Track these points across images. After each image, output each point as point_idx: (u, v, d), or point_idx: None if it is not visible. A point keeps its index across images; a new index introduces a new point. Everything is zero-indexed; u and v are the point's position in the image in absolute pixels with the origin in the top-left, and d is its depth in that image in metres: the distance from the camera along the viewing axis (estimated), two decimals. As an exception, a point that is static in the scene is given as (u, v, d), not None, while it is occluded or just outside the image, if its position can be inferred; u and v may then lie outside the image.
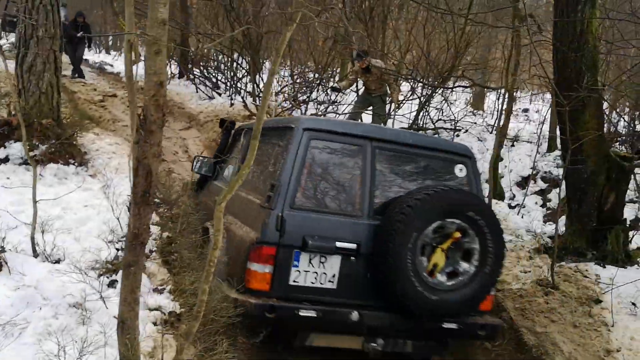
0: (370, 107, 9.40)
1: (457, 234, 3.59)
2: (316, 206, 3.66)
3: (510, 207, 6.90)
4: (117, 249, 3.77)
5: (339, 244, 3.52)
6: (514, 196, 7.86)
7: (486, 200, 5.16)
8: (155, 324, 3.22)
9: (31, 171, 4.03)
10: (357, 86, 11.59)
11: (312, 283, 3.53)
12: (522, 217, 6.59)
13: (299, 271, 3.51)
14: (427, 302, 3.47)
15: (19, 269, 3.39)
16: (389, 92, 9.16)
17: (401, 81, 10.11)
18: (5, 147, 5.25)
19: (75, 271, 3.30)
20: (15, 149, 5.22)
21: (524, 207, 7.29)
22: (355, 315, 3.51)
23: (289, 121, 4.07)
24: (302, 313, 3.41)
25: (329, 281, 3.56)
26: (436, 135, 5.26)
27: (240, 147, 4.89)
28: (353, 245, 3.56)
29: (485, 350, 4.51)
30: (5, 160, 5.19)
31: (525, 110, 16.19)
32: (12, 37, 12.29)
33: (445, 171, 3.96)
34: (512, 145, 9.52)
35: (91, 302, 3.23)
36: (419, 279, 3.45)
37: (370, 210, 3.71)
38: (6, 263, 3.39)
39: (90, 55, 21.37)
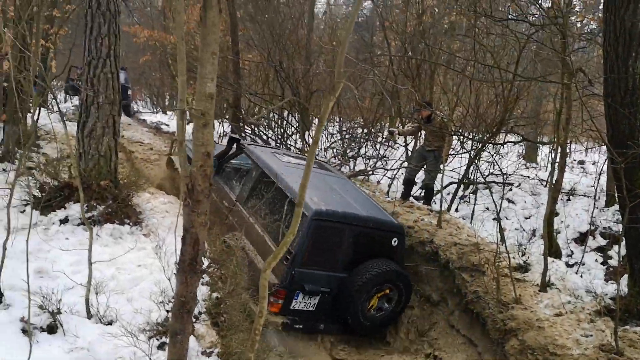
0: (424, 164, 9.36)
1: (388, 291, 6.15)
2: (313, 265, 5.82)
3: (567, 265, 6.61)
4: (167, 311, 3.82)
5: (321, 288, 5.89)
6: (572, 253, 7.56)
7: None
8: (202, 389, 3.21)
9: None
10: (405, 140, 11.63)
11: (302, 307, 5.88)
12: (581, 276, 6.30)
13: (297, 302, 5.81)
14: (364, 325, 6.09)
15: (73, 330, 3.48)
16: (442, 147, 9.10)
17: (453, 137, 10.06)
18: (65, 208, 5.47)
19: (126, 334, 3.36)
20: (75, 210, 5.43)
21: (583, 264, 6.99)
22: (322, 326, 6.10)
23: (304, 207, 5.68)
24: (295, 326, 5.80)
25: (311, 306, 5.93)
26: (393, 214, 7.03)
27: (252, 175, 6.79)
28: (328, 289, 5.94)
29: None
30: (65, 221, 5.39)
31: (581, 163, 15.72)
32: (76, 100, 12.92)
33: (386, 241, 6.28)
34: (568, 200, 9.23)
35: (141, 365, 3.27)
36: (363, 315, 6.02)
37: (341, 267, 6.01)
38: (61, 325, 3.48)
39: (148, 115, 22.35)
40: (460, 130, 9.77)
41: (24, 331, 3.26)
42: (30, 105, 7.54)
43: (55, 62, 10.96)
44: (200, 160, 2.10)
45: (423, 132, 9.35)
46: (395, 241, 6.31)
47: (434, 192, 9.28)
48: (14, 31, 5.95)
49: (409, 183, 9.24)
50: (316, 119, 13.15)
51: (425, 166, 9.13)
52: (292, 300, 5.75)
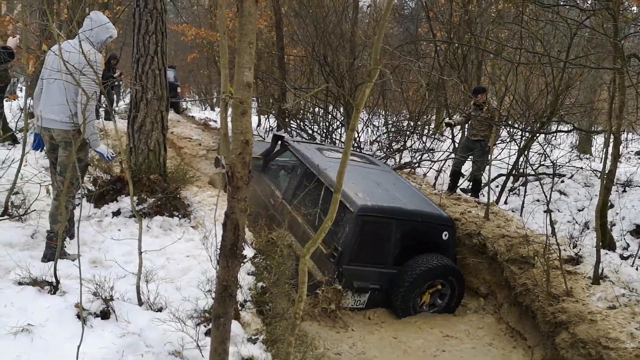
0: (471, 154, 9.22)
1: (439, 287, 6.05)
2: (361, 261, 5.75)
3: (622, 257, 6.39)
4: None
5: (371, 285, 5.80)
6: (628, 246, 7.30)
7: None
8: (248, 374, 3.28)
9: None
10: (452, 133, 11.46)
11: (352, 305, 5.77)
12: (637, 268, 6.07)
13: (345, 299, 5.61)
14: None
15: (124, 316, 3.60)
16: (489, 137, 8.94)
17: (501, 129, 9.86)
18: (117, 201, 5.65)
19: (175, 320, 3.46)
20: (126, 202, 5.60)
21: (640, 257, 6.74)
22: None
23: (348, 200, 5.82)
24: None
25: (361, 304, 5.85)
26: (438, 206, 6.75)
27: (297, 172, 6.81)
28: (378, 286, 5.84)
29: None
30: (118, 213, 5.57)
31: (639, 154, 15.16)
32: (128, 98, 13.29)
33: (436, 234, 6.15)
34: (624, 191, 8.92)
35: (188, 351, 3.36)
36: (415, 311, 5.92)
37: (390, 263, 5.91)
38: (114, 311, 3.62)
39: (197, 112, 22.80)
40: (508, 120, 9.52)
41: (79, 316, 3.41)
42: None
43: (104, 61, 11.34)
44: (239, 147, 2.15)
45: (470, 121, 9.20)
46: (445, 235, 6.17)
47: (482, 183, 9.13)
48: (66, 32, 6.18)
49: (455, 175, 9.12)
50: (361, 113, 13.11)
51: (472, 157, 9.00)
52: (340, 299, 5.61)
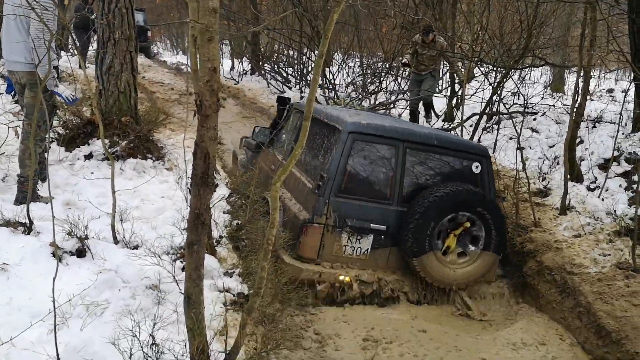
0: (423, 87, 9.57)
1: (467, 224, 4.68)
2: (356, 194, 4.63)
3: (589, 189, 6.57)
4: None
5: (372, 226, 4.62)
6: (596, 179, 7.49)
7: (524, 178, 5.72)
8: (225, 304, 3.37)
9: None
10: (411, 71, 11.44)
11: (349, 254, 4.61)
12: (603, 199, 6.26)
13: (339, 245, 4.58)
14: (442, 274, 4.61)
15: (100, 254, 3.64)
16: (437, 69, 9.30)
17: (473, 65, 9.87)
18: (89, 145, 5.60)
19: (151, 255, 3.51)
20: (98, 145, 5.54)
21: (607, 190, 6.93)
22: (375, 284, 4.65)
23: (337, 121, 4.85)
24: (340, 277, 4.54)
25: (363, 253, 4.64)
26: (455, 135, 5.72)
27: (294, 125, 5.79)
28: (383, 227, 4.64)
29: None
30: (90, 156, 5.52)
31: (610, 91, 15.35)
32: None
33: (463, 166, 4.84)
34: (594, 127, 9.06)
35: (166, 284, 3.42)
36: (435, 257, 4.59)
37: (399, 199, 4.71)
38: (89, 249, 3.64)
39: (168, 57, 22.29)
40: (477, 58, 9.53)
41: (54, 255, 3.42)
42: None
43: None
44: (207, 75, 2.13)
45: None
46: (477, 167, 4.83)
47: (433, 105, 9.61)
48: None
49: (413, 115, 9.47)
50: (336, 54, 12.95)
51: (423, 87, 9.38)
52: (333, 242, 4.57)
